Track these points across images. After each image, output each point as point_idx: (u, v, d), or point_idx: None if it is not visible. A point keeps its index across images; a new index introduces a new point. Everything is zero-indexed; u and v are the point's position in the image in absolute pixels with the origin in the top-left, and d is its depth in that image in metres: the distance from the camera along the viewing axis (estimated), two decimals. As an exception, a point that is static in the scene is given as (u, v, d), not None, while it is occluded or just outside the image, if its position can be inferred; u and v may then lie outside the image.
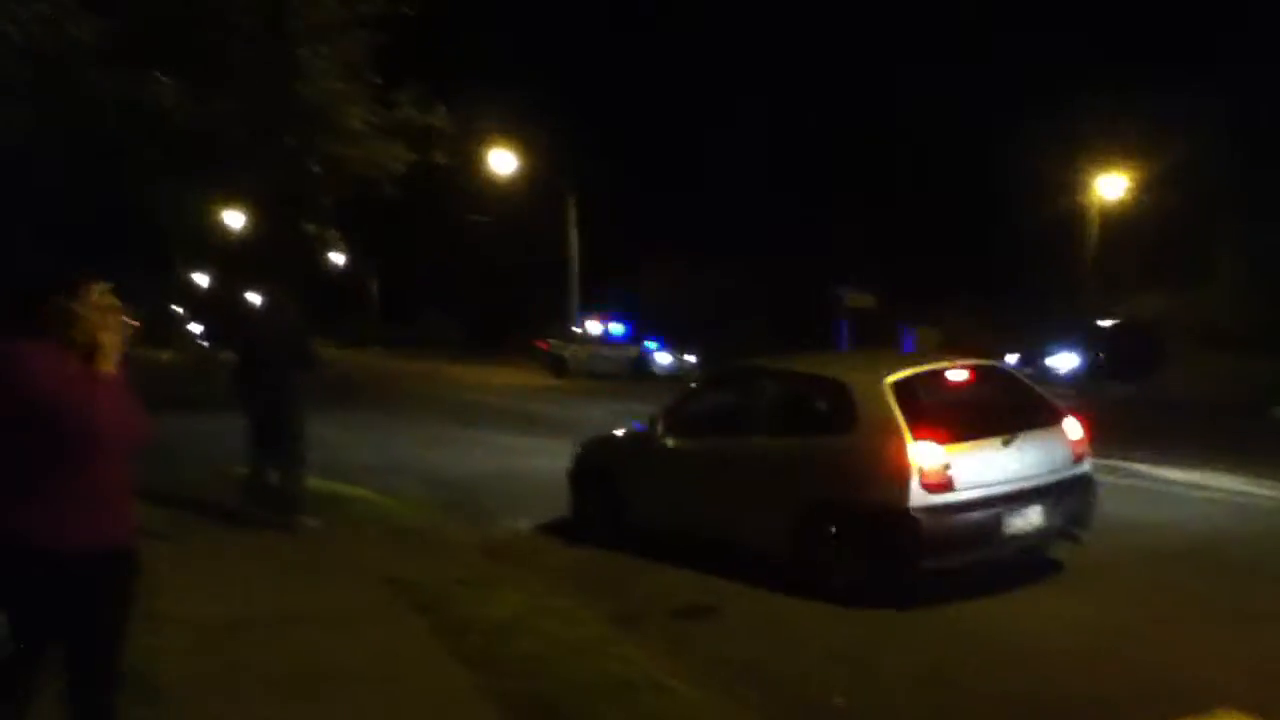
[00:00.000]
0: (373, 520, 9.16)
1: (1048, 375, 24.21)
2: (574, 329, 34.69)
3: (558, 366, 32.93)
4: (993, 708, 4.92)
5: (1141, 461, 11.81)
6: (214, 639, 5.67)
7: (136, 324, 3.69)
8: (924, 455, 6.37)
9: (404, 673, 5.22)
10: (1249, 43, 25.96)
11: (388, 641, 5.74)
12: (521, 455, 13.47)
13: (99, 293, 3.47)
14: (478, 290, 53.21)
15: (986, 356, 8.80)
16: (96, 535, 3.42)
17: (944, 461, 6.39)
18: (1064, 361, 24.37)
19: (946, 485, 6.37)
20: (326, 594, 6.74)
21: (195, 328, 54.27)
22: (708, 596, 6.90)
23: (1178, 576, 7.08)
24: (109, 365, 3.43)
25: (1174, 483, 10.66)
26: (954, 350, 11.02)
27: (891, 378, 6.77)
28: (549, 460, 10.07)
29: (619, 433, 9.04)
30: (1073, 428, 7.20)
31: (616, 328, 33.84)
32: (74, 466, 3.37)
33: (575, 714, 4.54)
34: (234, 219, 33.61)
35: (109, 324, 3.43)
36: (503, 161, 35.42)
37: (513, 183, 37.44)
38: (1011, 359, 25.68)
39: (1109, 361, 22.57)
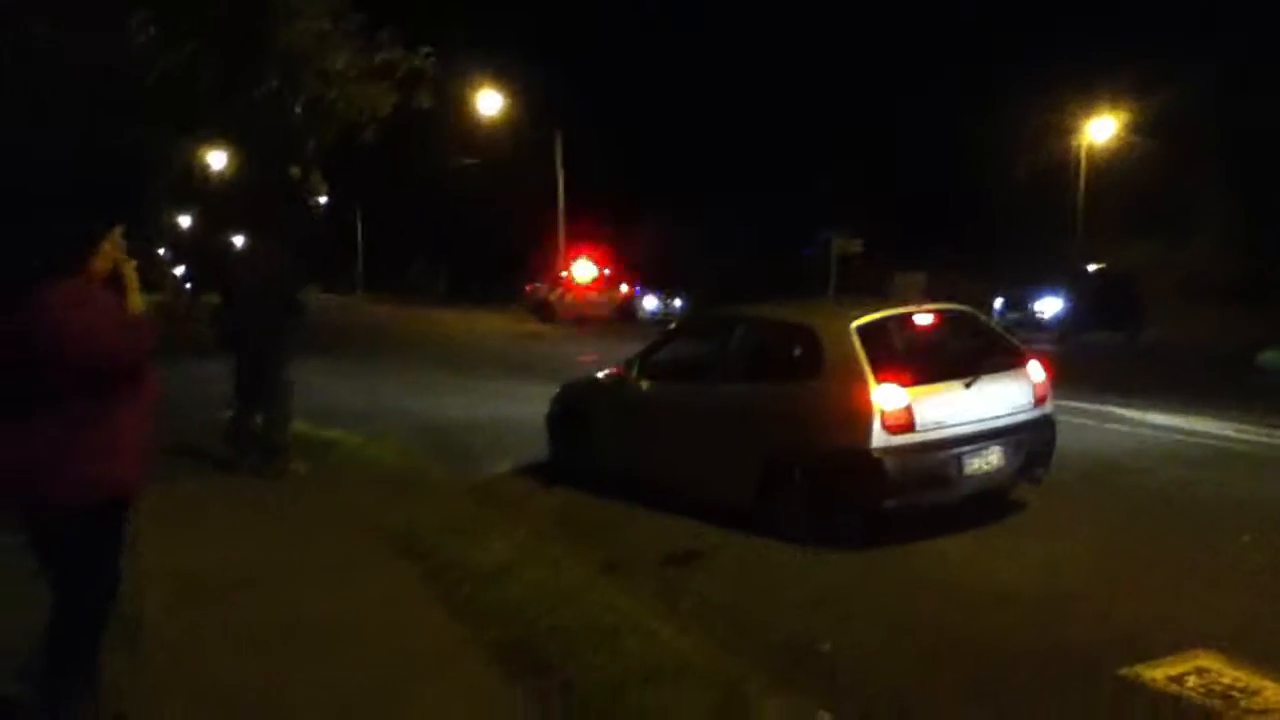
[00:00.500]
0: (359, 466, 9.18)
1: (1032, 320, 24.29)
2: (561, 273, 34.59)
3: (544, 311, 32.89)
4: (969, 652, 5.00)
5: (1121, 406, 11.92)
6: (198, 589, 5.70)
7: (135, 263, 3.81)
8: (886, 397, 6.50)
9: (393, 623, 5.26)
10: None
11: (376, 590, 5.78)
12: (508, 400, 13.50)
13: (119, 236, 3.71)
14: (464, 235, 52.90)
15: (971, 302, 8.86)
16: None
17: (905, 403, 6.52)
18: (1048, 307, 24.43)
19: (908, 426, 6.51)
20: (313, 542, 6.78)
21: (179, 271, 53.83)
22: (694, 542, 6.98)
23: (1153, 520, 7.19)
24: (138, 303, 3.73)
25: (1155, 426, 10.76)
26: (937, 296, 11.08)
27: (857, 322, 6.87)
28: (535, 405, 10.11)
29: (596, 377, 9.10)
30: (1035, 370, 7.34)
31: (601, 271, 33.73)
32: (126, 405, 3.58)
33: (561, 660, 4.59)
34: (217, 161, 33.21)
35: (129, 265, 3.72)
36: (489, 102, 35.03)
37: (499, 124, 37.05)
38: (997, 304, 25.73)
39: (1094, 308, 22.62)
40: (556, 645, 4.78)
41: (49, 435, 3.43)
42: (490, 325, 31.23)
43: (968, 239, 30.61)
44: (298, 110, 8.55)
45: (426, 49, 8.75)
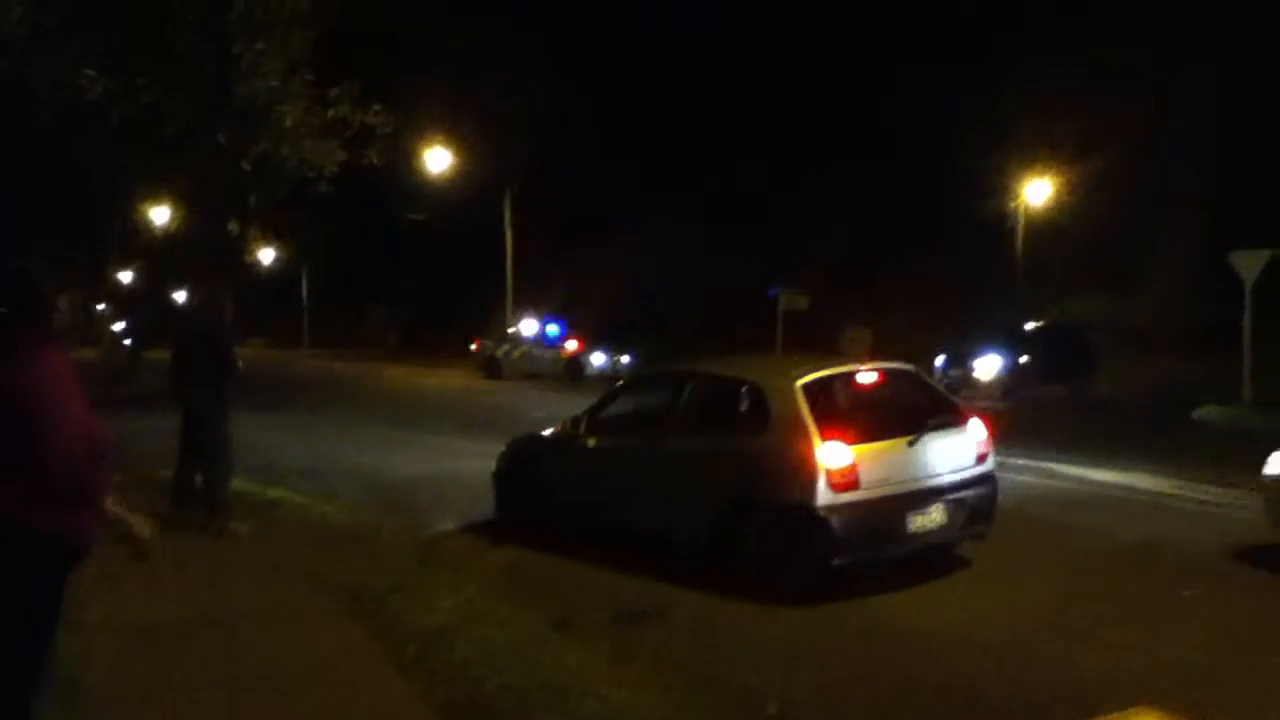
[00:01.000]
0: (305, 524, 9.03)
1: (973, 377, 24.58)
2: (508, 330, 34.52)
3: (491, 367, 32.74)
4: (919, 703, 5.03)
5: (1063, 462, 12.10)
6: (141, 646, 5.56)
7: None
8: (831, 455, 6.58)
9: (339, 680, 5.15)
10: (1173, 49, 26.66)
11: (322, 648, 5.67)
12: (455, 457, 13.38)
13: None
14: (414, 290, 52.68)
15: (915, 358, 9.01)
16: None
17: (850, 461, 6.61)
18: (990, 364, 24.78)
19: (853, 484, 6.60)
20: (257, 599, 6.64)
21: (118, 326, 52.91)
22: (644, 598, 6.94)
23: (1097, 575, 7.31)
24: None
25: (1096, 483, 10.94)
26: (883, 352, 11.22)
27: (802, 380, 6.96)
28: (482, 462, 10.05)
29: (543, 434, 9.10)
30: (976, 428, 7.47)
31: (551, 329, 33.72)
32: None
33: (510, 719, 4.52)
34: (160, 215, 32.88)
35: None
36: (438, 159, 35.11)
37: (449, 180, 37.13)
38: (939, 361, 26.10)
39: (1037, 364, 22.99)
40: (507, 704, 4.72)
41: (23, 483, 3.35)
42: (439, 380, 31.02)
43: (913, 294, 31.12)
44: (245, 165, 8.52)
45: (377, 106, 8.79)
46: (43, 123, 7.95)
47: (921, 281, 31.73)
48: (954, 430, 7.38)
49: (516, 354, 32.59)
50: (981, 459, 7.44)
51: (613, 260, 39.48)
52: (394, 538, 8.85)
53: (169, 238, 33.24)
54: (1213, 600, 6.57)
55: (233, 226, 10.27)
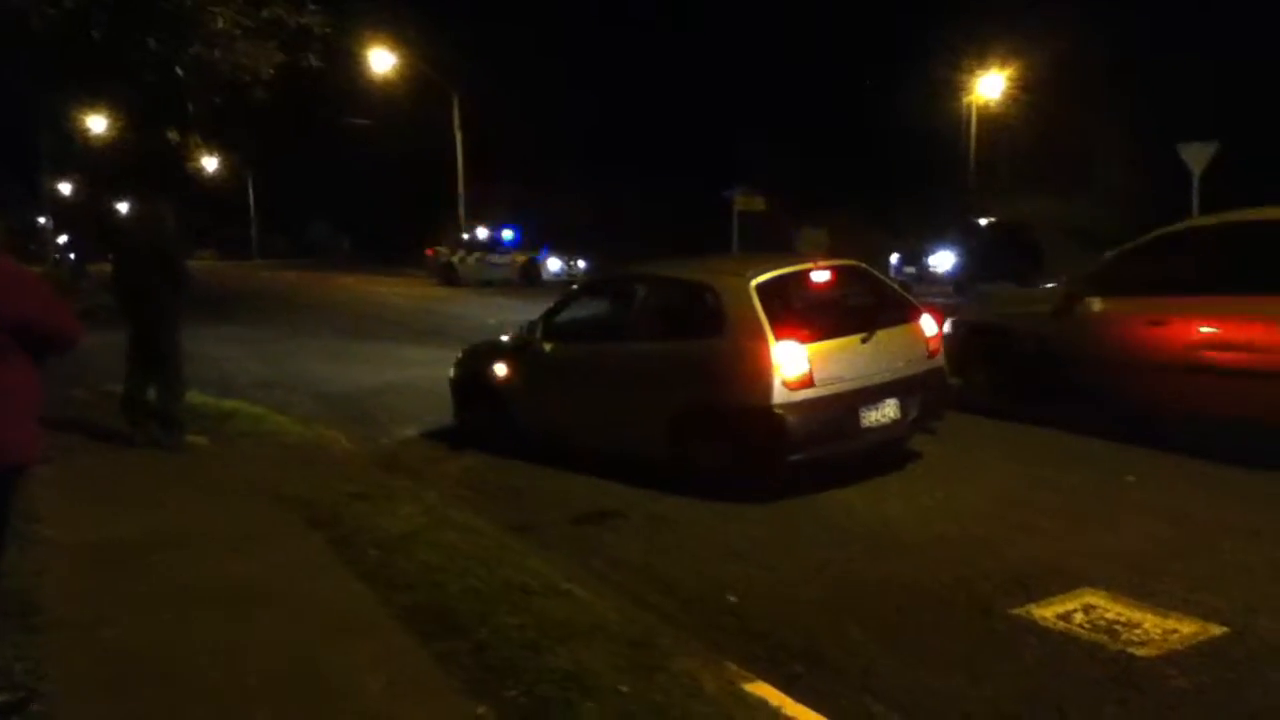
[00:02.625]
0: (263, 436, 9.00)
1: (928, 274, 24.83)
2: (463, 236, 34.15)
3: (446, 274, 32.48)
4: (873, 596, 5.17)
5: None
6: (99, 562, 5.57)
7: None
8: (786, 354, 6.64)
9: (300, 590, 5.19)
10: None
11: (284, 559, 5.70)
12: (412, 366, 13.35)
13: None
14: (365, 198, 51.79)
15: (870, 257, 9.04)
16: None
17: (804, 359, 6.67)
18: (942, 261, 25.00)
19: (807, 383, 6.67)
20: (217, 513, 6.64)
21: (62, 240, 51.66)
22: (603, 501, 7.04)
23: (1043, 466, 7.47)
24: None
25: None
26: (837, 251, 11.24)
27: (756, 280, 6.97)
28: (439, 370, 10.03)
29: (499, 339, 9.08)
30: (928, 324, 7.58)
31: (506, 234, 33.40)
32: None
33: (473, 622, 4.60)
34: (98, 125, 31.87)
35: None
36: (381, 61, 34.18)
37: (394, 84, 36.23)
38: (894, 259, 26.25)
39: (991, 258, 23.19)
40: (469, 607, 4.79)
41: None
42: (393, 289, 30.73)
43: (867, 193, 31.10)
44: (179, 72, 8.21)
45: (314, 5, 8.47)
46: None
47: (875, 180, 31.70)
48: (906, 325, 7.48)
49: (471, 260, 32.32)
50: (933, 354, 7.57)
51: (565, 163, 39.00)
52: (352, 447, 8.87)
53: (108, 148, 32.28)
54: (1155, 487, 6.77)
55: (172, 135, 9.98)
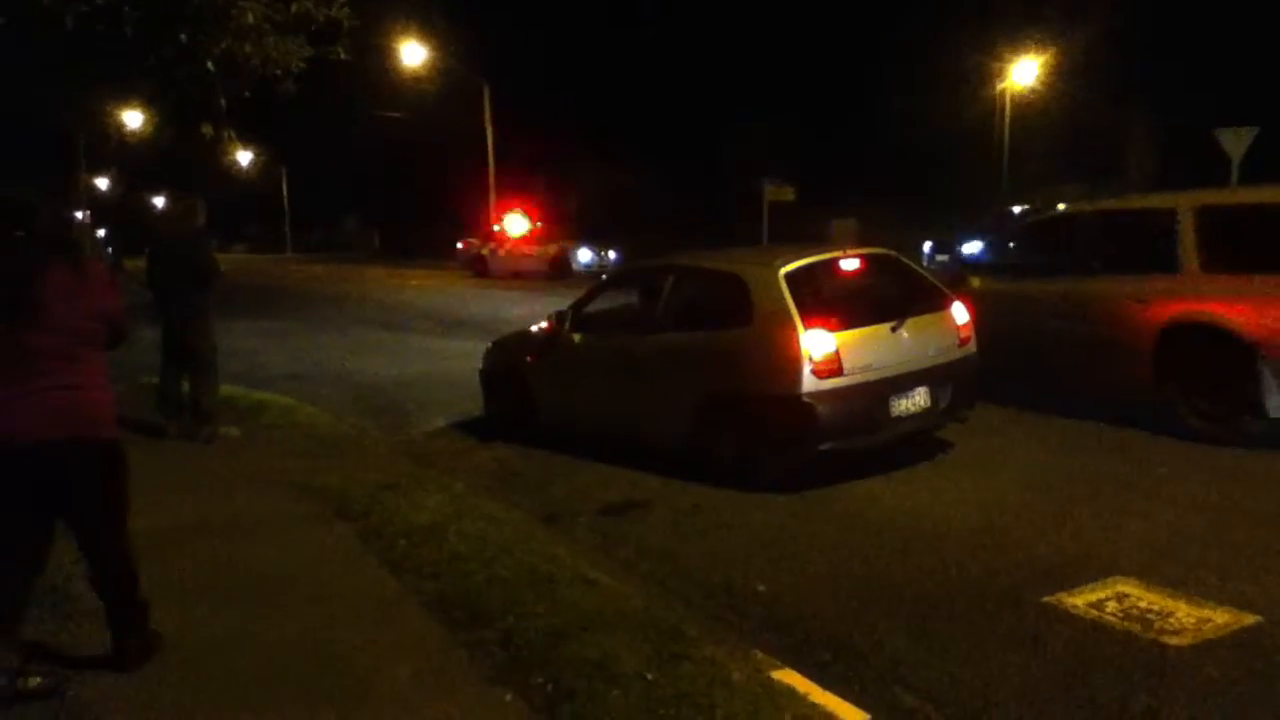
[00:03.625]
0: (294, 428, 9.08)
1: (962, 262, 24.63)
2: (494, 227, 34.25)
3: (478, 266, 32.60)
4: (902, 587, 5.13)
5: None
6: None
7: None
8: (815, 342, 6.60)
9: (331, 579, 5.24)
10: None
11: (313, 548, 5.75)
12: (443, 357, 13.42)
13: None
14: (396, 191, 52.09)
15: (902, 246, 8.99)
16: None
17: (833, 348, 6.63)
18: (976, 249, 24.80)
19: (836, 371, 6.63)
20: (249, 503, 6.71)
21: (100, 234, 52.31)
22: (631, 492, 7.05)
23: (1074, 455, 7.39)
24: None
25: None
26: (869, 240, 11.18)
27: (785, 269, 6.94)
28: (468, 361, 10.07)
29: (528, 330, 9.10)
30: (959, 312, 7.51)
31: (536, 225, 33.47)
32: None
33: (499, 610, 4.62)
34: (133, 120, 32.23)
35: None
36: (412, 54, 34.30)
37: (425, 77, 36.35)
38: (926, 247, 26.08)
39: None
40: (495, 596, 4.81)
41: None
42: (424, 281, 30.89)
43: (899, 184, 30.90)
44: (210, 66, 8.28)
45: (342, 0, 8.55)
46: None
47: (907, 169, 31.48)
48: (937, 314, 7.42)
49: (503, 252, 32.42)
50: (964, 342, 7.49)
51: (597, 156, 39.01)
52: (382, 438, 8.93)
53: (143, 144, 32.65)
54: (1187, 477, 6.67)
55: (205, 129, 10.08)
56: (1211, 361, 7.46)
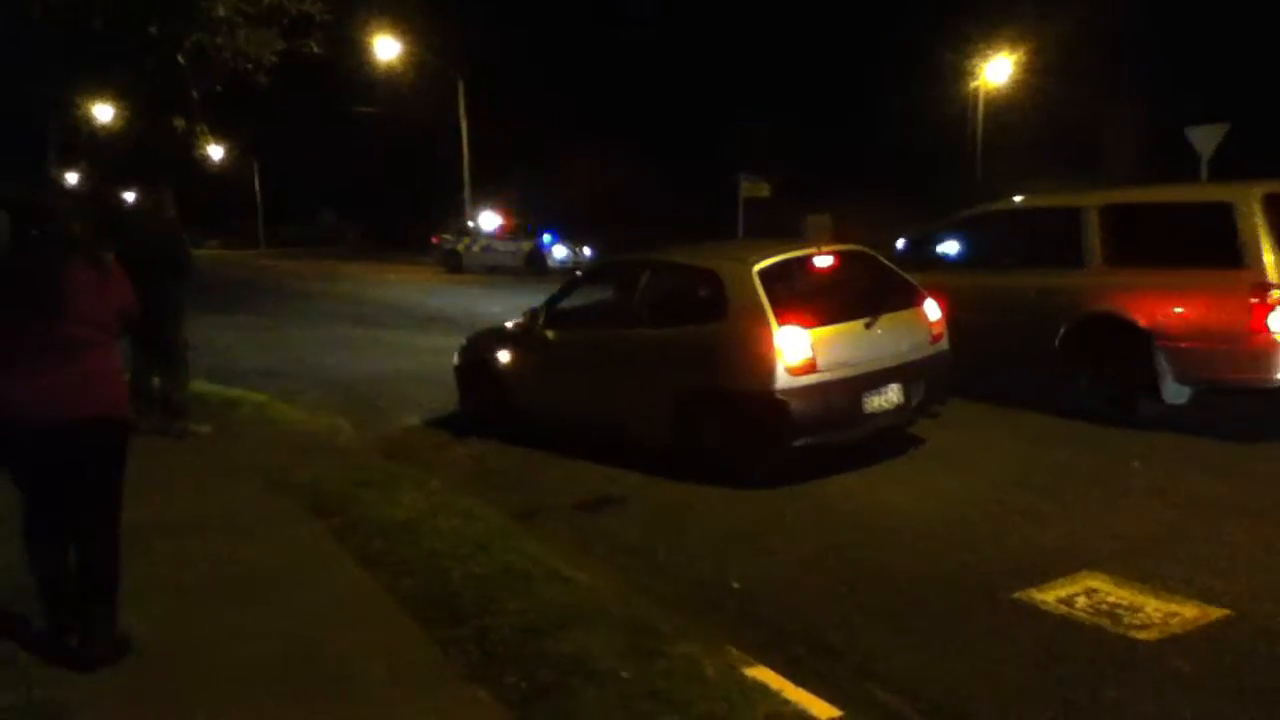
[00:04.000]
0: (265, 424, 9.03)
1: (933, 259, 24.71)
2: (468, 223, 34.13)
3: (452, 262, 32.49)
4: (877, 581, 5.17)
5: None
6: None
7: None
8: (789, 339, 6.63)
9: (304, 577, 5.22)
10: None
11: (287, 545, 5.72)
12: (416, 353, 13.37)
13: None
14: (371, 185, 51.80)
15: (876, 242, 9.04)
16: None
17: (808, 344, 6.67)
18: (950, 248, 24.90)
19: (810, 368, 6.67)
20: (223, 500, 6.66)
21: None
22: (606, 487, 7.05)
23: (1048, 449, 7.46)
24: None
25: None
26: (843, 236, 11.22)
27: (759, 265, 6.96)
28: (443, 357, 10.04)
29: (503, 326, 9.09)
30: (931, 309, 7.56)
31: (511, 221, 33.38)
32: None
33: (474, 607, 4.62)
34: (104, 113, 31.86)
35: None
36: (387, 48, 34.11)
37: (400, 70, 36.16)
38: (900, 244, 26.13)
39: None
40: (471, 593, 4.81)
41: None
42: (399, 277, 30.76)
43: (873, 180, 31.01)
44: (180, 59, 8.19)
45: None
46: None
47: (881, 166, 31.60)
48: (909, 310, 7.47)
49: (477, 248, 32.32)
50: (936, 338, 7.55)
51: (570, 152, 38.93)
52: (356, 435, 8.89)
53: (114, 137, 32.28)
54: (1159, 472, 6.75)
55: (177, 122, 9.98)
56: (1115, 349, 7.97)
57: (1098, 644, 4.35)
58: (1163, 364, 7.69)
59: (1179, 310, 7.65)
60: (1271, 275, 7.13)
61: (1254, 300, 7.16)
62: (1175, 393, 7.76)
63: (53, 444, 4.09)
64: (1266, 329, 7.14)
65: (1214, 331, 7.45)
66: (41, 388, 4.05)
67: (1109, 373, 8.08)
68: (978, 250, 9.74)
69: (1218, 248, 7.39)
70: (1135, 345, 7.80)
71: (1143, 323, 7.76)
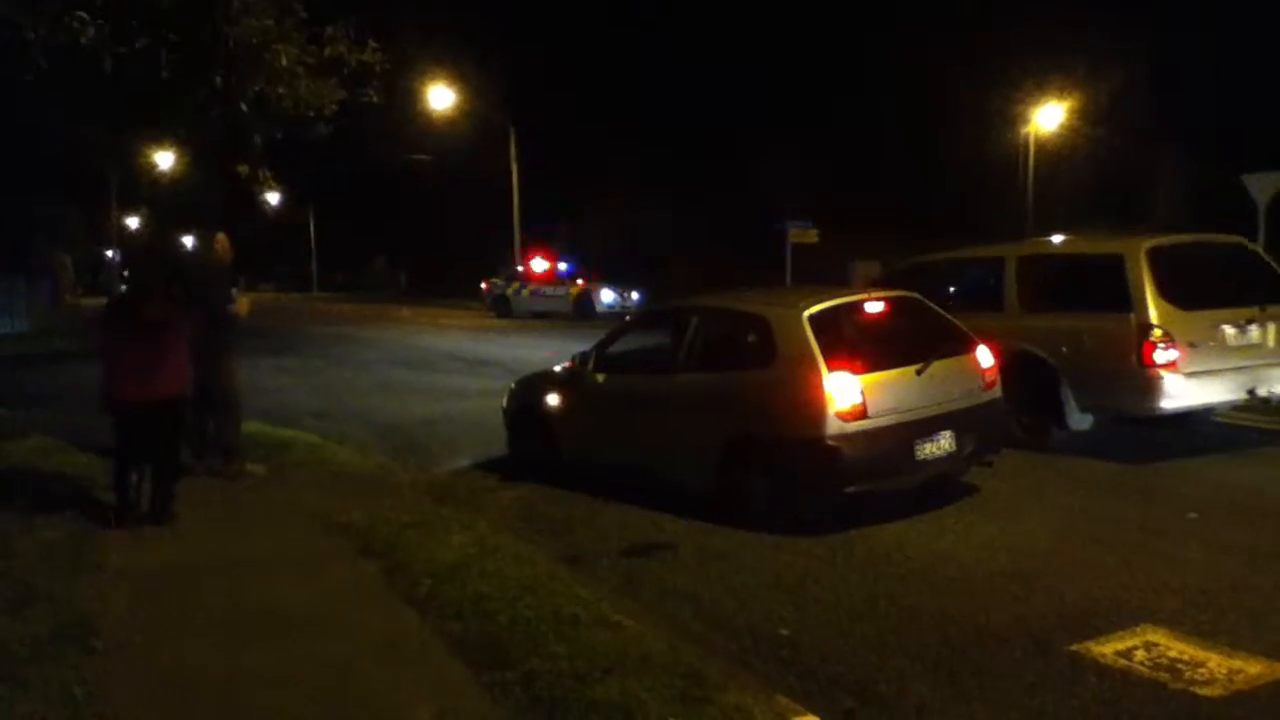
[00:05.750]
0: (318, 465, 9.13)
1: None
2: (517, 268, 34.43)
3: (500, 307, 32.76)
4: (928, 632, 5.08)
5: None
6: (158, 587, 5.68)
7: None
8: (839, 385, 6.60)
9: (356, 617, 5.25)
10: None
11: (337, 586, 5.77)
12: (466, 397, 13.46)
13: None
14: (423, 231, 52.51)
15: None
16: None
17: (858, 390, 6.62)
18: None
19: (861, 414, 6.62)
20: (274, 540, 6.74)
21: (129, 274, 52.89)
22: (654, 533, 7.02)
23: (1101, 500, 7.33)
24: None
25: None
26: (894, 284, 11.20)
27: (809, 311, 6.95)
28: (492, 400, 10.11)
29: (552, 370, 9.14)
30: (984, 356, 7.49)
31: (560, 266, 33.62)
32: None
33: (522, 650, 4.61)
34: (166, 160, 32.70)
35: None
36: (441, 98, 34.73)
37: (453, 120, 36.78)
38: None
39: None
40: (519, 637, 4.80)
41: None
42: (449, 321, 31.06)
43: (923, 228, 30.88)
44: (243, 107, 8.42)
45: (374, 44, 8.65)
46: (38, 71, 7.88)
47: (931, 213, 31.45)
48: (962, 357, 7.41)
49: (526, 292, 32.57)
50: (989, 385, 7.47)
51: (619, 198, 39.25)
52: (406, 477, 8.95)
53: (174, 183, 33.09)
54: (1217, 522, 6.60)
55: (241, 168, 10.23)
56: (1029, 383, 8.81)
57: (1158, 700, 4.24)
58: (1067, 396, 8.71)
59: (1080, 348, 8.62)
60: (1154, 318, 8.17)
61: (1140, 339, 8.17)
62: (1078, 420, 8.82)
63: (150, 409, 6.91)
64: (1152, 363, 8.15)
65: (1108, 367, 8.44)
66: (141, 379, 6.86)
67: (1025, 404, 8.85)
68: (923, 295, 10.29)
69: (1111, 293, 8.41)
70: (1045, 379, 8.80)
71: (1051, 360, 8.78)
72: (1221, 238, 9.61)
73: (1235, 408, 9.19)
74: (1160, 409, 8.27)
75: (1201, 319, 8.35)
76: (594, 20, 39.61)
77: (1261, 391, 8.60)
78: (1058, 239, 10.16)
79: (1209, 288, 8.55)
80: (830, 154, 34.37)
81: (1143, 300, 8.19)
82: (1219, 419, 9.78)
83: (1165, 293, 8.21)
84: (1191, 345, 8.21)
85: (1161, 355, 8.12)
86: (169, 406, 6.96)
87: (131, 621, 5.10)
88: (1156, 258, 8.36)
